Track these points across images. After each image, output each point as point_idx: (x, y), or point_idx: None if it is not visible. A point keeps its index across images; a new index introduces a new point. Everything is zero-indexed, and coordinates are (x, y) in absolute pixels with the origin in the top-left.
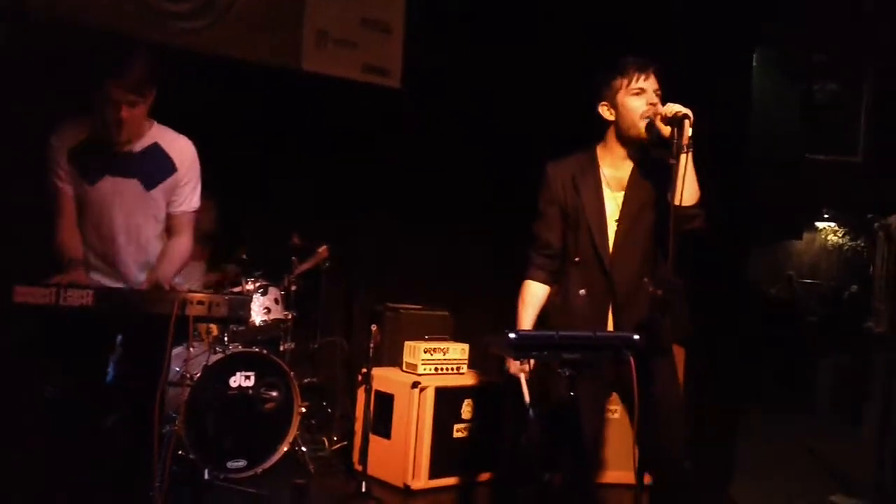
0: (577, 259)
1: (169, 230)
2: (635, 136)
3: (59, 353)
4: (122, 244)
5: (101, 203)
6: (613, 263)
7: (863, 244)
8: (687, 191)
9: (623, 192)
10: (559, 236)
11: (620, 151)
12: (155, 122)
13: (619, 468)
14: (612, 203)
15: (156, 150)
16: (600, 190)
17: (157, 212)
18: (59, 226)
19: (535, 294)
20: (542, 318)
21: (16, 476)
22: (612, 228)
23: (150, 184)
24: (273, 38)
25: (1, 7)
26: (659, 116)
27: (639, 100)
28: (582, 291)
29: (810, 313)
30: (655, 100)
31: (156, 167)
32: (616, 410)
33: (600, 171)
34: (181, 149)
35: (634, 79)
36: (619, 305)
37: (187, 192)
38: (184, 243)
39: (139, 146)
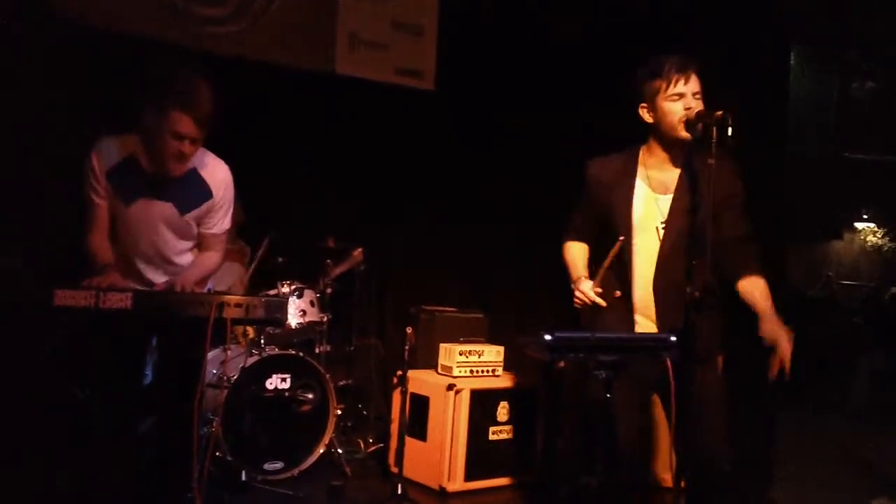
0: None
1: (199, 246)
2: (676, 138)
3: (97, 356)
4: (151, 258)
5: (134, 222)
6: (659, 268)
7: None
8: None
9: (670, 196)
10: (591, 233)
11: (663, 154)
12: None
13: (657, 470)
14: (655, 207)
15: (193, 176)
16: (632, 195)
17: (188, 232)
18: (90, 234)
19: (576, 248)
20: (575, 317)
21: (52, 478)
22: (655, 233)
23: (184, 208)
24: (306, 41)
25: (32, 13)
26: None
27: (677, 104)
28: (618, 293)
29: (850, 314)
30: (694, 104)
31: (192, 193)
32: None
33: (638, 175)
34: (218, 175)
35: (673, 82)
36: (660, 309)
37: (220, 216)
38: (212, 257)
39: (178, 171)
